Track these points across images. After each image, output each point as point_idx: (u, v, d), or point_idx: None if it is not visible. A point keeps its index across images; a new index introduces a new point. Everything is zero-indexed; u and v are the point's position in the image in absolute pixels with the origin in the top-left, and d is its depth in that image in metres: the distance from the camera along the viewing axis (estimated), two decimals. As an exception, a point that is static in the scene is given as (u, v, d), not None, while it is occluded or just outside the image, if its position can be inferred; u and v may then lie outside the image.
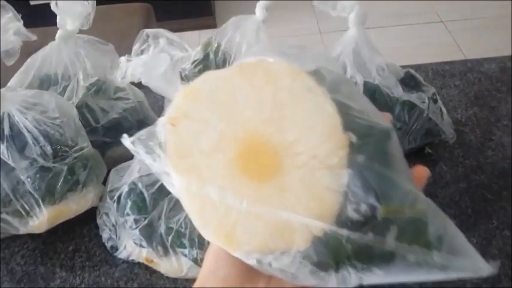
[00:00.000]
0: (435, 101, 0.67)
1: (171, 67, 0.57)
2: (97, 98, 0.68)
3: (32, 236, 0.64)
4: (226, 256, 0.30)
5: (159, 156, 0.31)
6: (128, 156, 0.61)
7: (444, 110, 0.70)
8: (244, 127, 0.30)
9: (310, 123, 0.30)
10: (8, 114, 0.58)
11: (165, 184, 0.31)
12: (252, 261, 0.29)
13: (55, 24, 0.67)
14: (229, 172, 0.29)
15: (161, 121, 0.32)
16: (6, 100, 0.59)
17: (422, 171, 0.34)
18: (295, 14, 2.24)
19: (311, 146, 0.29)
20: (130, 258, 0.60)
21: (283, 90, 0.31)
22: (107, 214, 0.61)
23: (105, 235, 0.62)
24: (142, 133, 0.32)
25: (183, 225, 0.55)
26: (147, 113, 0.71)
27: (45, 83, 0.68)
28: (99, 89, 0.68)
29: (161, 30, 0.56)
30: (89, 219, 0.64)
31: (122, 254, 0.60)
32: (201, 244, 0.55)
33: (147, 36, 0.57)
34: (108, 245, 0.61)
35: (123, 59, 0.55)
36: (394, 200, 0.29)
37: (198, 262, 0.56)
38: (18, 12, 0.62)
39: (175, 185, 0.30)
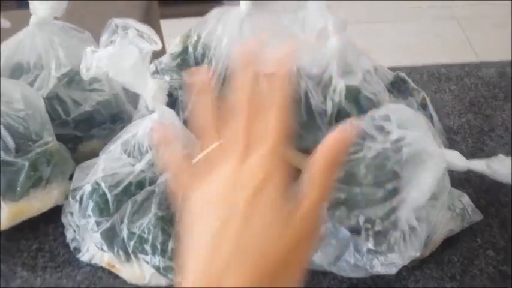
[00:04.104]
0: (424, 107, 0.63)
1: (140, 60, 0.53)
2: (70, 89, 0.64)
3: (-5, 232, 0.61)
4: None
5: None
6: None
7: (435, 116, 0.66)
8: None
9: None
10: (-30, 105, 0.56)
11: None
12: None
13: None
14: None
15: None
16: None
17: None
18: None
19: None
20: (92, 262, 0.57)
21: None
22: (71, 213, 0.58)
23: (69, 235, 0.59)
24: None
25: (146, 231, 0.52)
26: (122, 107, 0.68)
27: (16, 71, 0.65)
28: (71, 79, 0.64)
29: (130, 21, 0.53)
30: (55, 216, 0.61)
31: (84, 257, 0.57)
32: (164, 251, 0.52)
33: (116, 26, 0.53)
34: (72, 245, 0.59)
35: (88, 49, 0.52)
36: None
37: (160, 270, 0.53)
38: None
39: None
